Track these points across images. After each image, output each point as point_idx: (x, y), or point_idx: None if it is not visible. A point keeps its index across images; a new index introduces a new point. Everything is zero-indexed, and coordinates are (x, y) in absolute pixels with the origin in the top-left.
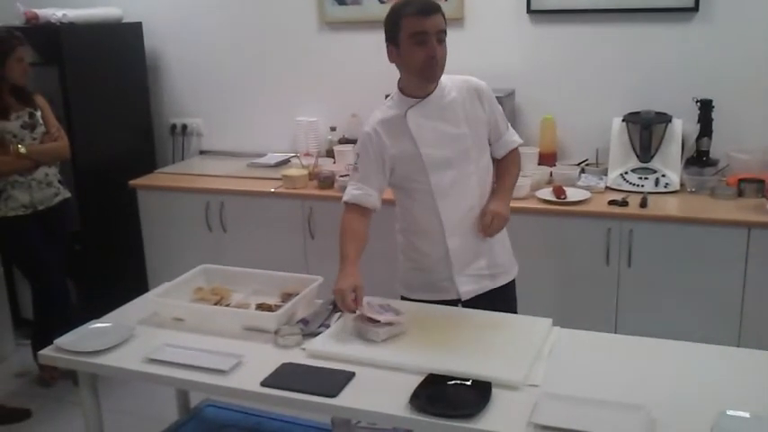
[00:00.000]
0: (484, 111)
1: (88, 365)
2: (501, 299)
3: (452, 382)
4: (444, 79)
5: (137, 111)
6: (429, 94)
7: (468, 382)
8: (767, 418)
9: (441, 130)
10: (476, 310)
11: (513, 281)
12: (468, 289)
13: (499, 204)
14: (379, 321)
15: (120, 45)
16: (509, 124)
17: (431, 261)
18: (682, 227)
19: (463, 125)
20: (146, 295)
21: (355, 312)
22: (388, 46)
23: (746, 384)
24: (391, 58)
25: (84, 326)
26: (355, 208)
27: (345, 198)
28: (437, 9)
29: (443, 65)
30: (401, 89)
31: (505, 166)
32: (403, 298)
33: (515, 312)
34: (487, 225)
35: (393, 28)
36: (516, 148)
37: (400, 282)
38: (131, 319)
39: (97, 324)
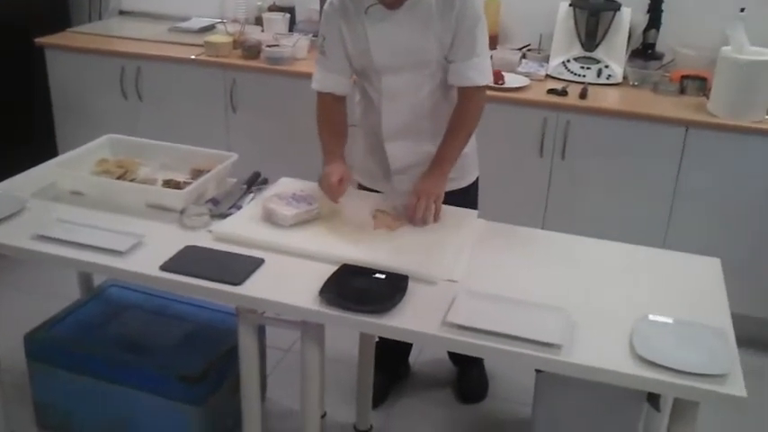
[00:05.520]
0: (450, 21)
1: None
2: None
3: (367, 274)
4: None
5: None
6: None
7: (383, 276)
8: (691, 323)
9: (399, 40)
10: None
11: (468, 187)
12: (405, 188)
13: (430, 182)
14: None
15: None
16: (481, 55)
17: (371, 154)
18: (619, 121)
19: (430, 36)
20: (45, 164)
21: (337, 202)
22: None
23: (670, 288)
24: None
25: None
26: (327, 96)
27: (314, 86)
28: None
29: None
30: None
31: (454, 124)
32: (360, 186)
33: None
34: (421, 211)
35: None
36: (477, 91)
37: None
38: (25, 191)
39: None
